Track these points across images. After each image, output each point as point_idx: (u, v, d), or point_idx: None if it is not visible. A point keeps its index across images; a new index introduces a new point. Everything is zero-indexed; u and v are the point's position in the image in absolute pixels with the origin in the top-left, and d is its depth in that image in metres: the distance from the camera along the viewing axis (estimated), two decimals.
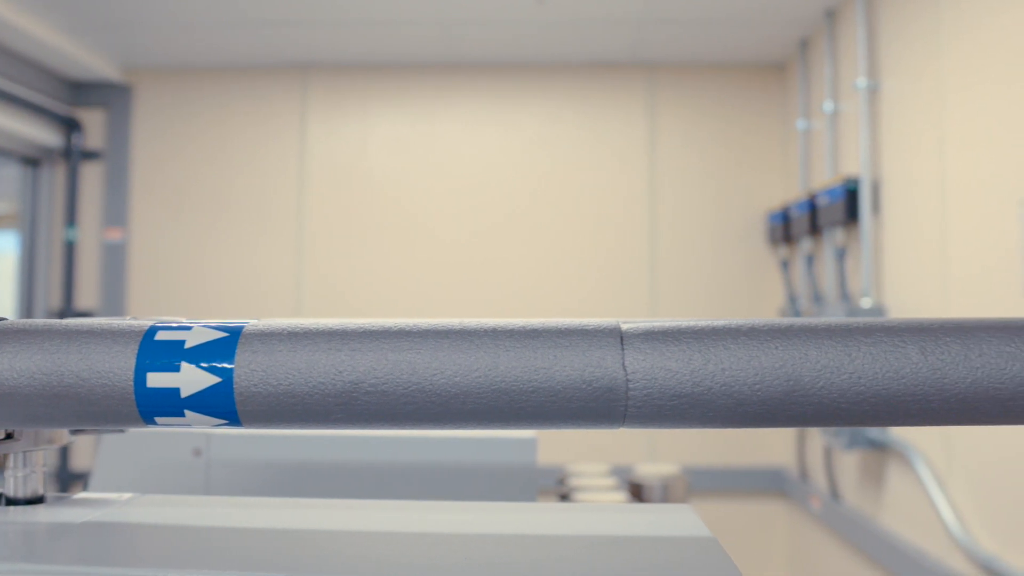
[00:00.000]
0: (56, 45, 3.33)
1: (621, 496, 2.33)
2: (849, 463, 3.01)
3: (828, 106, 3.14)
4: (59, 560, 0.67)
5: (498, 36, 3.49)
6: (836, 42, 3.15)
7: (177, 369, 0.63)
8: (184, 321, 0.68)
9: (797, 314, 3.50)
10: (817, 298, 3.25)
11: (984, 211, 2.14)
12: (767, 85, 3.81)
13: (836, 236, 2.99)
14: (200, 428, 0.66)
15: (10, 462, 0.82)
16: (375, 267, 3.79)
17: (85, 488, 1.51)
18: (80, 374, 0.64)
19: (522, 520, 0.78)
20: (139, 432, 1.25)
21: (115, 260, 3.81)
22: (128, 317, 0.76)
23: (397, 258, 3.79)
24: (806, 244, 3.29)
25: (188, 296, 3.82)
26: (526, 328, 0.62)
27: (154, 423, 0.65)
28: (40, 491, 0.84)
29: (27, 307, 3.79)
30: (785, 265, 3.58)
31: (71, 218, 3.78)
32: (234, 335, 0.64)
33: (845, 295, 2.95)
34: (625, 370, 0.60)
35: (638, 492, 2.69)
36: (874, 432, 2.69)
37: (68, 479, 3.70)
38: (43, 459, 0.85)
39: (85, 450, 3.74)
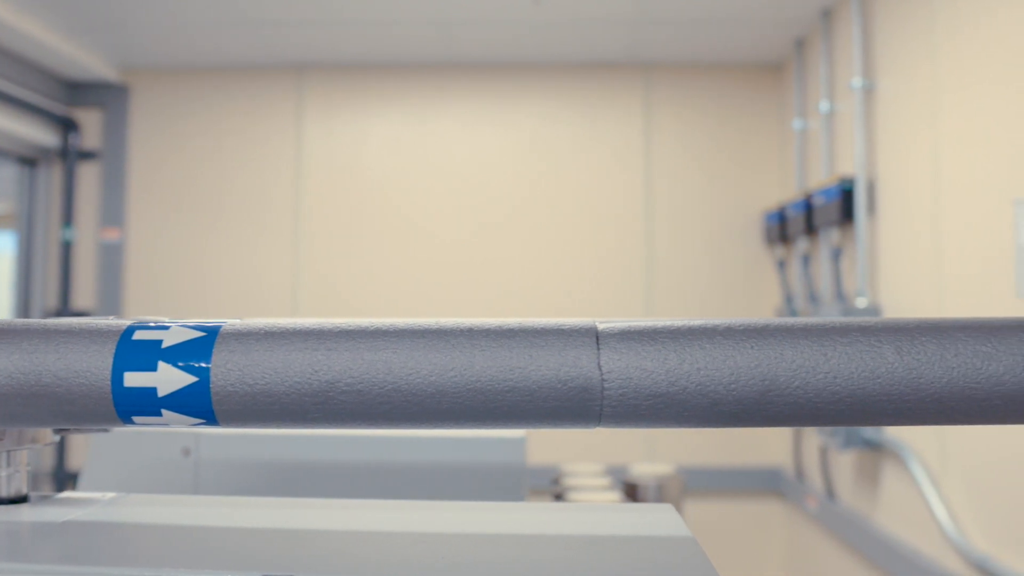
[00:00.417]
0: (53, 45, 3.34)
1: (614, 496, 2.33)
2: (845, 463, 3.01)
3: (824, 106, 3.14)
4: (39, 559, 0.67)
5: (495, 36, 3.49)
6: (832, 42, 3.15)
7: (154, 368, 0.63)
8: (163, 321, 0.68)
9: (793, 314, 3.50)
10: (813, 298, 3.25)
11: (979, 211, 2.14)
12: (764, 85, 3.81)
13: (832, 236, 2.99)
14: (178, 427, 0.66)
15: None
16: (372, 267, 3.79)
17: (75, 488, 1.52)
18: (58, 373, 0.64)
19: (503, 519, 0.78)
20: (128, 432, 1.25)
21: (112, 260, 3.81)
22: (110, 317, 0.76)
23: (394, 258, 3.79)
24: (802, 244, 3.29)
25: (185, 296, 3.82)
26: (502, 328, 0.62)
27: (132, 422, 0.65)
28: (24, 490, 0.84)
29: (24, 307, 3.80)
30: (781, 265, 3.58)
31: (68, 218, 3.78)
32: (211, 335, 0.64)
33: (840, 295, 2.95)
34: (600, 370, 0.60)
35: (633, 492, 2.69)
36: (869, 432, 2.69)
37: (64, 478, 3.71)
38: (27, 458, 0.85)
39: (81, 450, 3.74)
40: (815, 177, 3.29)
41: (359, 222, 3.80)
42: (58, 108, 3.74)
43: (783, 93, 3.75)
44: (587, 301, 3.74)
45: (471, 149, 3.83)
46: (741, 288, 3.75)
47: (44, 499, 0.85)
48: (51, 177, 3.86)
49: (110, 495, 0.87)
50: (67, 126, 3.77)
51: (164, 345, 0.64)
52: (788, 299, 3.52)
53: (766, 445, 3.71)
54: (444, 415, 0.61)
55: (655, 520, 0.76)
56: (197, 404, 0.63)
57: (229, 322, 0.66)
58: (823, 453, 3.12)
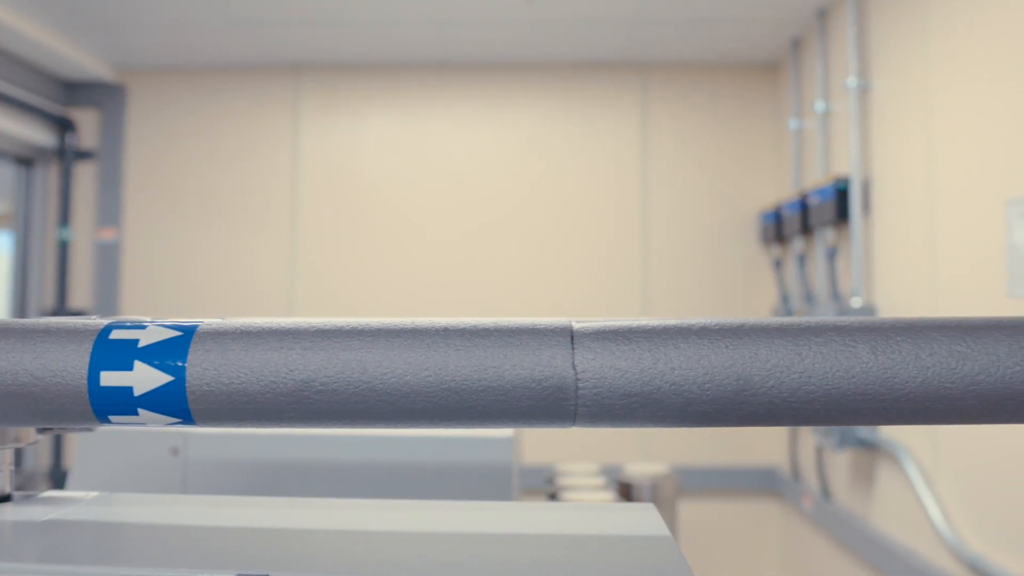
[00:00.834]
0: (49, 45, 3.34)
1: (607, 496, 2.33)
2: (840, 463, 3.01)
3: (819, 106, 3.14)
4: (18, 558, 0.68)
5: (491, 36, 3.49)
6: (827, 42, 3.15)
7: (130, 368, 0.63)
8: (141, 320, 0.68)
9: (789, 313, 3.50)
10: (809, 298, 3.25)
11: (972, 210, 2.14)
12: (760, 84, 3.81)
13: (827, 236, 2.99)
14: (155, 427, 0.66)
15: None
16: (369, 266, 3.79)
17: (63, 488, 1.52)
18: (34, 373, 0.64)
19: (483, 519, 0.78)
20: (116, 431, 1.25)
21: (108, 260, 3.82)
22: (93, 316, 0.76)
23: (391, 258, 3.79)
24: (798, 244, 3.29)
25: (182, 296, 3.83)
26: (477, 327, 0.62)
27: (108, 422, 0.65)
28: (7, 489, 0.84)
29: (21, 306, 3.80)
30: (778, 264, 3.58)
31: (64, 218, 3.78)
32: (188, 334, 0.64)
33: (836, 295, 2.95)
34: (575, 369, 0.60)
35: (627, 492, 2.69)
36: (864, 432, 2.69)
37: (60, 478, 3.71)
38: (10, 458, 0.85)
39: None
40: (811, 177, 3.29)
41: (356, 222, 3.80)
42: (55, 108, 3.74)
43: (779, 93, 3.75)
44: (584, 300, 3.74)
45: (468, 149, 3.83)
46: (737, 288, 3.75)
47: (27, 498, 0.85)
48: (48, 177, 3.86)
49: (93, 494, 0.87)
50: (64, 126, 3.77)
51: (140, 344, 0.64)
52: (784, 299, 3.52)
53: (762, 445, 3.71)
54: (419, 414, 0.61)
55: (635, 519, 0.77)
56: (173, 403, 0.63)
57: (206, 321, 0.66)
58: (819, 453, 3.12)
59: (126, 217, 3.85)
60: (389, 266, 3.78)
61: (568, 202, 3.79)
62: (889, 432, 2.59)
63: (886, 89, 2.65)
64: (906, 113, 2.52)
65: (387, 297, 3.76)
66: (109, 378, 0.63)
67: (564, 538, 0.71)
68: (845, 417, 0.62)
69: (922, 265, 2.40)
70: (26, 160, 3.83)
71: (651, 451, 3.66)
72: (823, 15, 3.16)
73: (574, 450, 3.61)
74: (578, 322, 0.64)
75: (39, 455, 3.81)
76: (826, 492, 3.10)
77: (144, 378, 0.63)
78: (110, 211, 3.83)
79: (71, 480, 1.26)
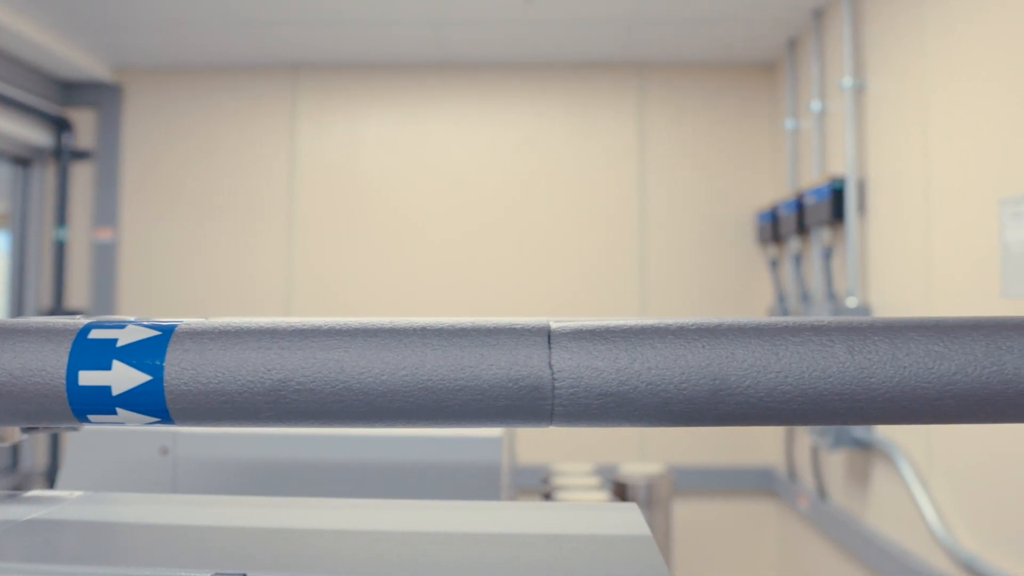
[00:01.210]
0: (46, 45, 3.34)
1: (602, 495, 2.33)
2: (835, 463, 3.01)
3: (816, 105, 3.14)
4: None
5: (489, 36, 3.49)
6: (823, 42, 3.15)
7: (109, 367, 0.63)
8: (121, 319, 0.68)
9: (785, 313, 3.50)
10: (805, 297, 3.26)
11: (968, 210, 2.14)
12: (757, 84, 3.81)
13: (823, 236, 2.99)
14: (134, 426, 0.66)
15: None
16: (366, 266, 3.79)
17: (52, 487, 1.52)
18: (13, 372, 0.64)
19: (466, 518, 0.78)
20: (106, 431, 1.26)
21: (105, 260, 3.82)
22: (78, 316, 0.77)
23: (388, 257, 3.79)
24: (794, 244, 3.29)
25: (179, 296, 3.83)
26: (454, 327, 0.62)
27: (87, 421, 0.65)
28: None
29: (17, 307, 3.80)
30: (774, 264, 3.58)
31: (61, 218, 3.79)
32: (166, 334, 0.64)
33: (831, 295, 2.95)
34: (551, 369, 0.60)
35: (622, 491, 2.69)
36: (859, 431, 2.69)
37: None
38: None
39: None
40: (807, 177, 3.29)
41: (353, 221, 3.81)
42: (52, 108, 3.75)
43: (776, 93, 3.75)
44: (581, 300, 3.74)
45: (465, 149, 3.83)
46: (734, 287, 3.75)
47: (10, 497, 0.85)
48: (45, 177, 3.87)
49: (77, 494, 0.87)
50: (61, 126, 3.77)
51: (119, 344, 0.64)
52: (780, 299, 3.52)
53: (759, 445, 3.71)
54: (396, 414, 0.62)
55: (616, 519, 0.77)
56: (151, 403, 0.63)
57: (185, 321, 0.66)
58: (814, 453, 3.12)
59: (123, 217, 3.85)
60: (387, 266, 3.78)
61: (566, 202, 3.79)
62: (883, 432, 2.59)
63: (881, 89, 2.65)
64: (902, 113, 2.52)
65: (385, 297, 3.76)
66: (87, 377, 0.63)
67: (543, 537, 0.71)
68: (822, 417, 0.62)
69: (917, 265, 2.40)
70: (23, 160, 3.83)
71: (648, 451, 3.66)
72: (819, 15, 3.16)
73: (571, 450, 3.61)
74: (556, 322, 0.64)
75: (36, 454, 3.81)
76: (822, 492, 3.10)
77: (122, 377, 0.63)
78: (107, 211, 3.83)
79: (60, 480, 1.26)
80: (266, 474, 1.26)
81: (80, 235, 3.86)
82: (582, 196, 3.79)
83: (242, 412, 0.62)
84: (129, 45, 3.58)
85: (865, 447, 2.70)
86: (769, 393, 0.61)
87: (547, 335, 0.62)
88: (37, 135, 3.66)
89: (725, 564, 3.69)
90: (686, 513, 3.61)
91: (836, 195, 2.83)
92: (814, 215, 3.00)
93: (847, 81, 2.80)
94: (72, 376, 0.63)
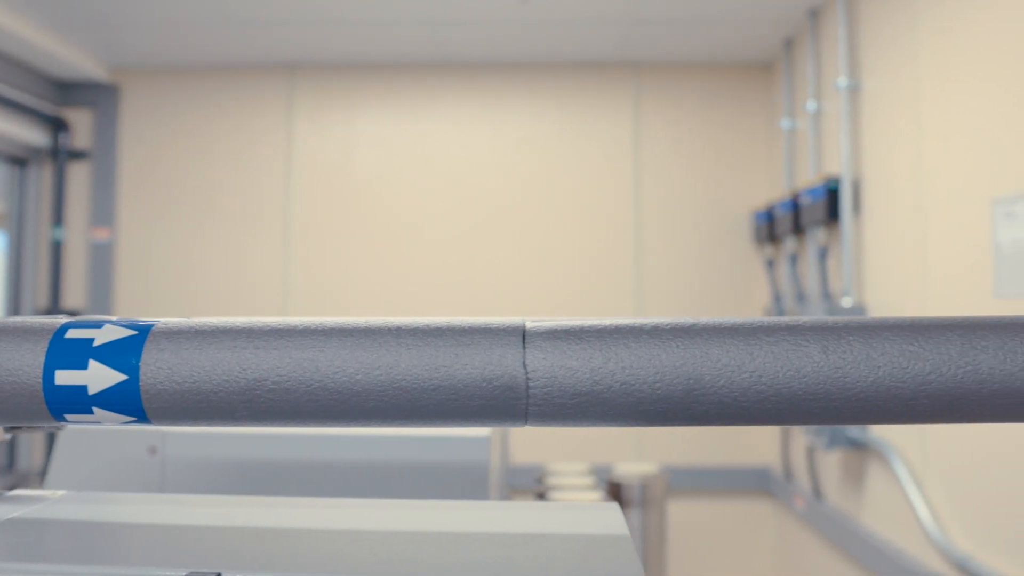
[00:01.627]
0: (43, 45, 3.34)
1: (595, 495, 2.33)
2: (831, 463, 3.01)
3: (811, 105, 3.13)
4: None
5: (485, 36, 3.49)
6: (819, 41, 3.15)
7: (85, 367, 0.63)
8: (99, 319, 0.68)
9: (782, 313, 3.50)
10: (801, 297, 3.25)
11: (961, 210, 2.14)
12: (753, 84, 3.81)
13: (818, 235, 2.99)
14: (111, 425, 0.66)
15: None
16: (362, 266, 3.79)
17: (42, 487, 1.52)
18: None
19: (447, 517, 0.78)
20: (94, 430, 1.26)
21: (102, 260, 3.82)
22: (61, 316, 0.77)
23: (384, 257, 3.79)
24: (790, 243, 3.29)
25: (175, 295, 3.83)
26: (429, 327, 0.63)
27: (64, 420, 0.66)
28: None
29: (14, 306, 3.80)
30: (770, 264, 3.58)
31: (58, 218, 3.79)
32: (143, 333, 0.64)
33: (827, 294, 2.95)
34: (525, 368, 0.60)
35: (617, 491, 2.70)
36: (854, 431, 2.69)
37: None
38: None
39: None
40: (803, 176, 3.29)
41: (350, 221, 3.81)
42: (48, 108, 3.75)
43: (772, 92, 3.75)
44: (577, 299, 3.74)
45: (461, 149, 3.83)
46: (730, 287, 3.75)
47: None
48: (41, 177, 3.87)
49: (60, 493, 0.87)
50: (57, 126, 3.77)
51: (96, 344, 0.64)
52: (777, 298, 3.52)
53: (755, 445, 3.71)
54: (370, 413, 0.62)
55: (596, 519, 0.77)
56: (127, 402, 0.63)
57: (162, 321, 0.67)
58: (810, 453, 3.12)
59: (120, 217, 3.85)
60: (383, 265, 3.78)
61: (562, 202, 3.79)
62: (878, 432, 2.59)
63: (876, 89, 2.65)
64: (896, 113, 2.52)
65: (381, 296, 3.77)
66: (64, 377, 0.63)
67: (520, 537, 0.71)
68: (796, 416, 0.62)
69: (912, 265, 2.40)
70: (20, 160, 3.84)
71: (644, 451, 3.66)
72: (815, 15, 3.16)
73: (568, 450, 3.61)
74: (532, 321, 0.64)
75: (33, 454, 3.82)
76: (818, 492, 3.10)
77: (98, 377, 0.63)
78: (104, 211, 3.83)
79: (48, 479, 1.26)
80: (255, 474, 1.26)
81: (77, 235, 3.86)
82: (578, 196, 3.79)
83: (218, 411, 0.62)
84: (125, 45, 3.58)
85: (860, 447, 2.70)
86: (743, 393, 0.61)
87: (522, 335, 0.62)
88: (34, 135, 3.66)
89: (721, 564, 3.69)
90: (683, 513, 3.61)
91: (831, 195, 2.83)
92: (810, 215, 3.00)
93: (842, 81, 2.80)
94: (49, 375, 0.64)
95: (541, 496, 2.43)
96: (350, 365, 0.61)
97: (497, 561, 0.65)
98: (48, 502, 0.83)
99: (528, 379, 0.60)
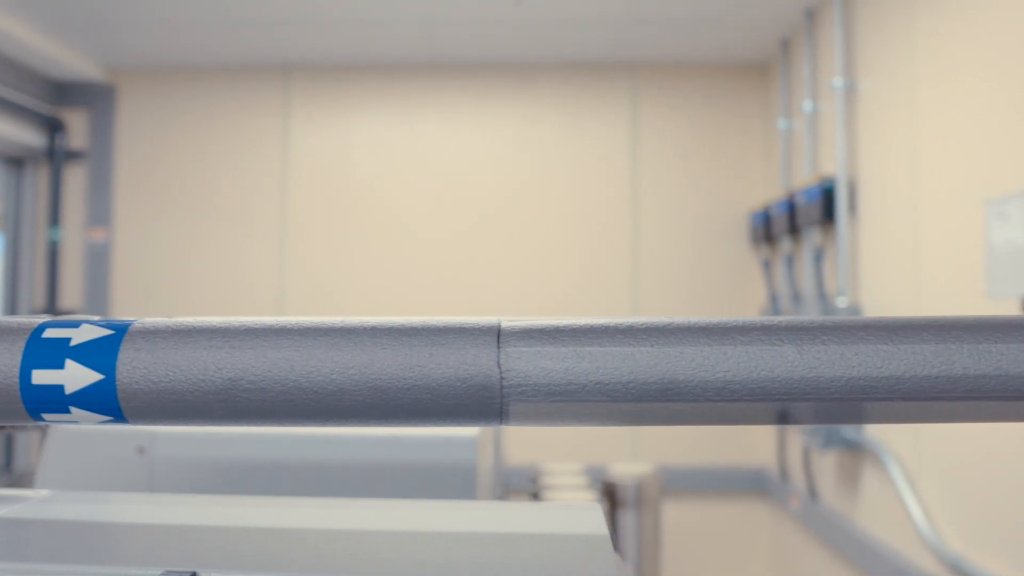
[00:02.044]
0: (39, 46, 3.34)
1: (589, 495, 2.33)
2: (826, 463, 3.01)
3: (808, 106, 3.14)
4: None
5: (480, 36, 3.49)
6: (815, 42, 3.15)
7: (61, 366, 0.63)
8: (76, 318, 0.69)
9: (778, 313, 3.50)
10: (797, 298, 3.25)
11: (956, 210, 2.14)
12: (749, 85, 3.81)
13: (814, 236, 2.99)
14: (88, 424, 0.67)
15: None
16: (359, 266, 3.79)
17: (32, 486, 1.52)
18: None
19: (426, 517, 0.78)
20: (83, 430, 1.26)
21: (99, 260, 3.82)
22: (44, 316, 0.77)
23: (380, 257, 3.79)
24: (786, 244, 3.29)
25: (172, 296, 3.83)
26: (404, 326, 0.63)
27: (41, 419, 0.66)
28: None
29: (11, 307, 3.81)
30: (767, 265, 3.58)
31: (55, 218, 3.79)
32: (119, 333, 0.65)
33: (822, 295, 2.95)
34: (500, 368, 0.61)
35: (611, 492, 2.70)
36: (849, 432, 2.69)
37: None
38: None
39: None
40: (799, 177, 3.29)
41: (346, 222, 3.81)
42: (44, 108, 3.75)
43: (769, 93, 3.75)
44: (573, 300, 3.74)
45: (457, 149, 3.83)
46: (726, 288, 3.75)
47: None
48: (38, 177, 3.87)
49: (44, 492, 0.87)
50: (54, 126, 3.78)
51: (72, 343, 0.64)
52: (773, 299, 3.52)
53: (751, 445, 3.71)
54: (345, 412, 0.62)
55: (576, 519, 0.77)
56: (104, 401, 0.63)
57: (140, 320, 0.67)
58: (806, 453, 3.12)
59: (116, 218, 3.85)
60: (379, 266, 3.79)
61: (558, 202, 3.79)
62: (873, 433, 2.59)
63: (872, 89, 2.65)
64: (891, 114, 2.52)
65: (378, 296, 3.77)
66: (41, 376, 0.63)
67: (499, 536, 0.71)
68: (771, 416, 0.62)
69: (907, 265, 2.40)
70: (16, 160, 3.84)
71: (640, 451, 3.67)
72: (811, 15, 3.16)
73: (564, 450, 3.61)
74: (508, 321, 0.64)
75: (30, 454, 3.82)
76: (813, 493, 3.10)
77: (75, 376, 0.63)
78: (100, 212, 3.84)
79: (37, 479, 1.26)
80: (243, 474, 1.26)
81: (73, 235, 3.87)
82: (575, 196, 3.79)
83: (194, 410, 0.63)
84: (122, 46, 3.58)
85: (855, 448, 2.70)
86: (717, 392, 0.61)
87: (496, 334, 0.62)
88: (30, 136, 3.67)
89: (716, 565, 3.69)
90: (678, 513, 3.61)
91: (827, 195, 2.83)
92: (805, 215, 3.00)
93: (838, 81, 2.80)
94: (25, 375, 0.64)
95: (535, 496, 2.43)
96: (325, 364, 0.61)
97: (473, 560, 0.65)
98: (30, 502, 0.84)
99: (503, 378, 0.61)
